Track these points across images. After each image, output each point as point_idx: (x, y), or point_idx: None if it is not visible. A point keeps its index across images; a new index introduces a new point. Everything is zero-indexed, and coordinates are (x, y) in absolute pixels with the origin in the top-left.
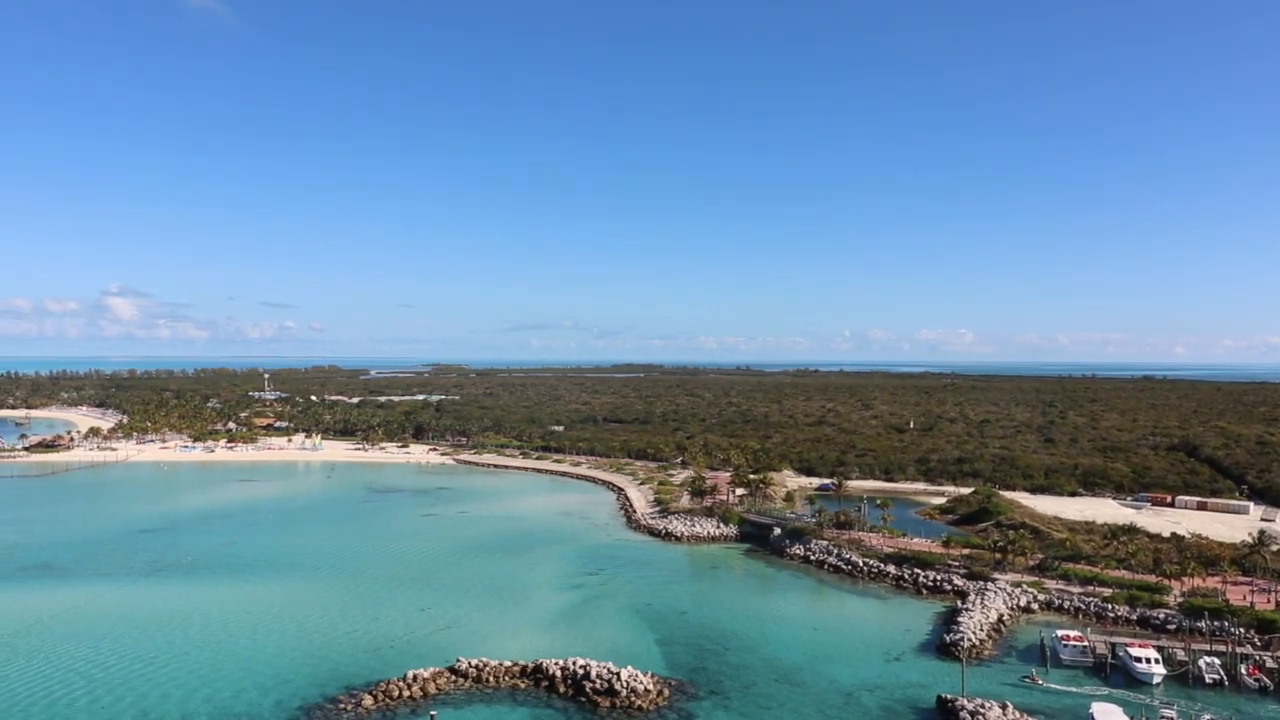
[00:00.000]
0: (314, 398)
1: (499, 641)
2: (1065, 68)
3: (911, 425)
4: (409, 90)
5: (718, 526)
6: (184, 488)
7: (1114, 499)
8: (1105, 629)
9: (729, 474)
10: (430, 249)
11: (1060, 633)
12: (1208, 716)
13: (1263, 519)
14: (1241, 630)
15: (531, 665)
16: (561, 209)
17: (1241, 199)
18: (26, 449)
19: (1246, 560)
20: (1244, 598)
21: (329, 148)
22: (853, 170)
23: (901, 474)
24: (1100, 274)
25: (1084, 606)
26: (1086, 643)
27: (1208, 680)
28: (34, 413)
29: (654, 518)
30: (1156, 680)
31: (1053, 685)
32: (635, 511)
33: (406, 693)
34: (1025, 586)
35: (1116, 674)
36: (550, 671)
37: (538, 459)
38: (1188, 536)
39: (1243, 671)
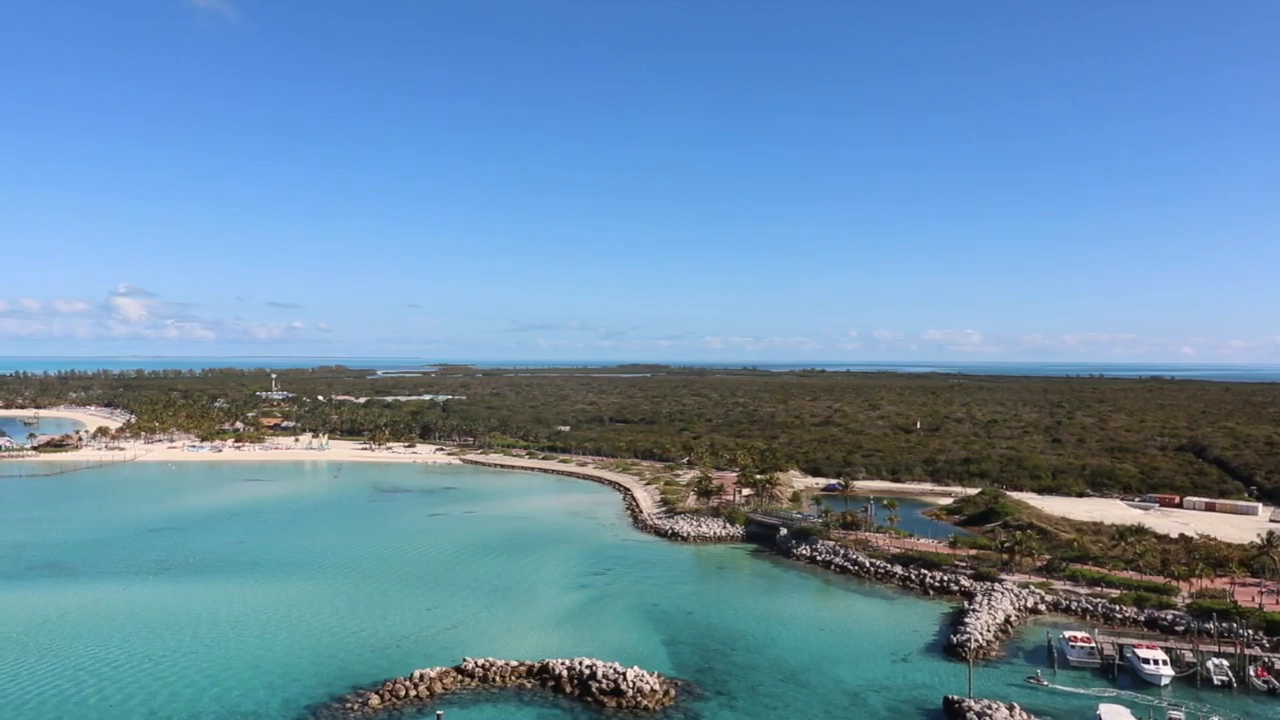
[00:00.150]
0: (321, 398)
1: (505, 641)
2: (1070, 68)
3: (918, 425)
4: (417, 92)
5: (724, 527)
6: (191, 487)
7: (1122, 500)
8: (1113, 630)
9: (735, 474)
10: (437, 250)
11: (1067, 634)
12: (1216, 718)
13: (1271, 520)
14: (1250, 632)
15: (538, 665)
16: (568, 210)
17: (1249, 199)
18: (35, 448)
19: (1255, 561)
20: (1253, 599)
21: (337, 149)
22: (859, 171)
23: (908, 474)
24: (1108, 274)
25: (1091, 608)
26: (1094, 644)
27: (1216, 682)
28: (42, 412)
29: (660, 518)
30: (1164, 682)
31: (1059, 686)
32: (641, 512)
33: (413, 692)
34: (1032, 587)
35: (1124, 675)
36: (557, 671)
37: (544, 459)
38: (1196, 537)
39: (1251, 673)
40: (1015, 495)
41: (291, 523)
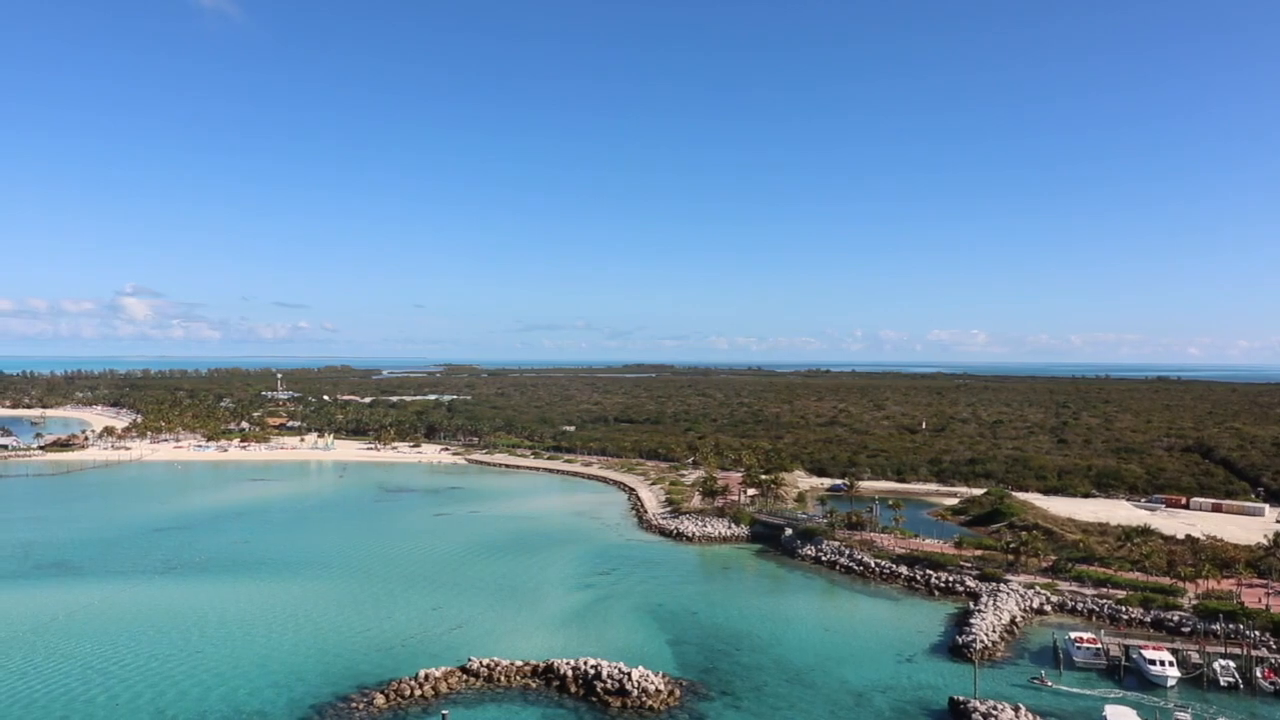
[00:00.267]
0: (326, 397)
1: (511, 641)
2: (1075, 69)
3: (924, 426)
4: (423, 93)
5: (729, 527)
6: (197, 487)
7: (1128, 500)
8: (1119, 631)
9: (740, 474)
10: (443, 250)
11: (1073, 635)
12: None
13: (1278, 521)
14: (1257, 633)
15: (543, 665)
16: (574, 210)
17: (1256, 199)
18: (42, 448)
19: (1262, 562)
20: (1259, 600)
21: (342, 149)
22: (864, 170)
23: (913, 475)
24: (1114, 275)
25: (1097, 609)
26: (1100, 645)
27: (1222, 683)
28: (49, 412)
29: (665, 518)
30: (1171, 683)
31: (1064, 687)
32: (646, 512)
33: (418, 692)
34: (1038, 588)
35: (1130, 676)
36: (561, 671)
37: (549, 459)
38: (1202, 538)
39: (1258, 674)
40: (1021, 496)
41: (297, 522)
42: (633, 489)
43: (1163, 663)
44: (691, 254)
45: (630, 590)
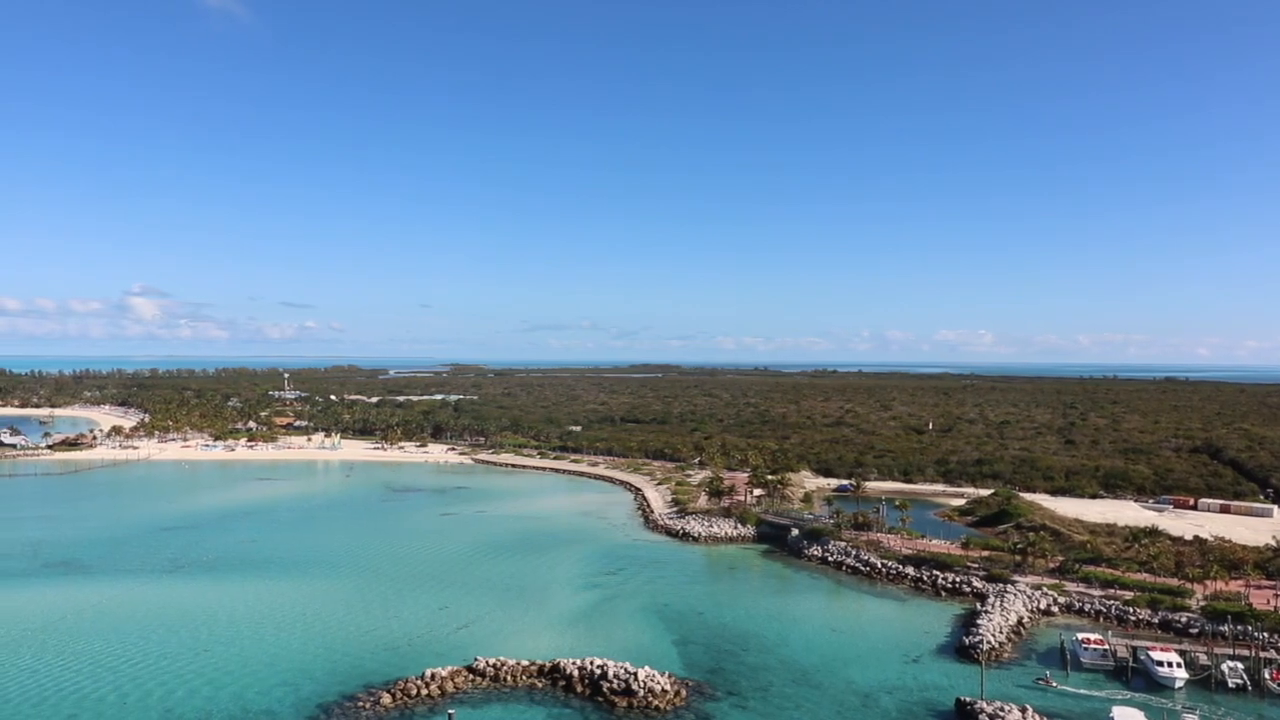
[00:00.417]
0: (333, 397)
1: (517, 641)
2: (1082, 68)
3: (930, 426)
4: (430, 93)
5: (735, 527)
6: (205, 486)
7: (1135, 501)
8: (1126, 632)
9: (747, 474)
10: (449, 250)
11: (1081, 636)
12: None
13: None
14: (1265, 634)
15: (549, 665)
16: (575, 210)
17: (1264, 199)
18: (50, 447)
19: (1270, 564)
20: (1268, 602)
21: (348, 149)
22: (871, 170)
23: (920, 475)
24: (1122, 275)
25: (1105, 609)
26: (1107, 646)
27: (1230, 685)
28: (58, 411)
29: (671, 518)
30: (1178, 684)
31: (1071, 688)
32: (653, 512)
33: (424, 691)
34: (1045, 589)
35: (1138, 678)
36: (568, 671)
37: (555, 459)
38: (1210, 540)
39: (1266, 676)
40: (1028, 496)
41: (304, 522)
42: (639, 489)
43: (1170, 664)
44: (695, 254)
45: (636, 590)
